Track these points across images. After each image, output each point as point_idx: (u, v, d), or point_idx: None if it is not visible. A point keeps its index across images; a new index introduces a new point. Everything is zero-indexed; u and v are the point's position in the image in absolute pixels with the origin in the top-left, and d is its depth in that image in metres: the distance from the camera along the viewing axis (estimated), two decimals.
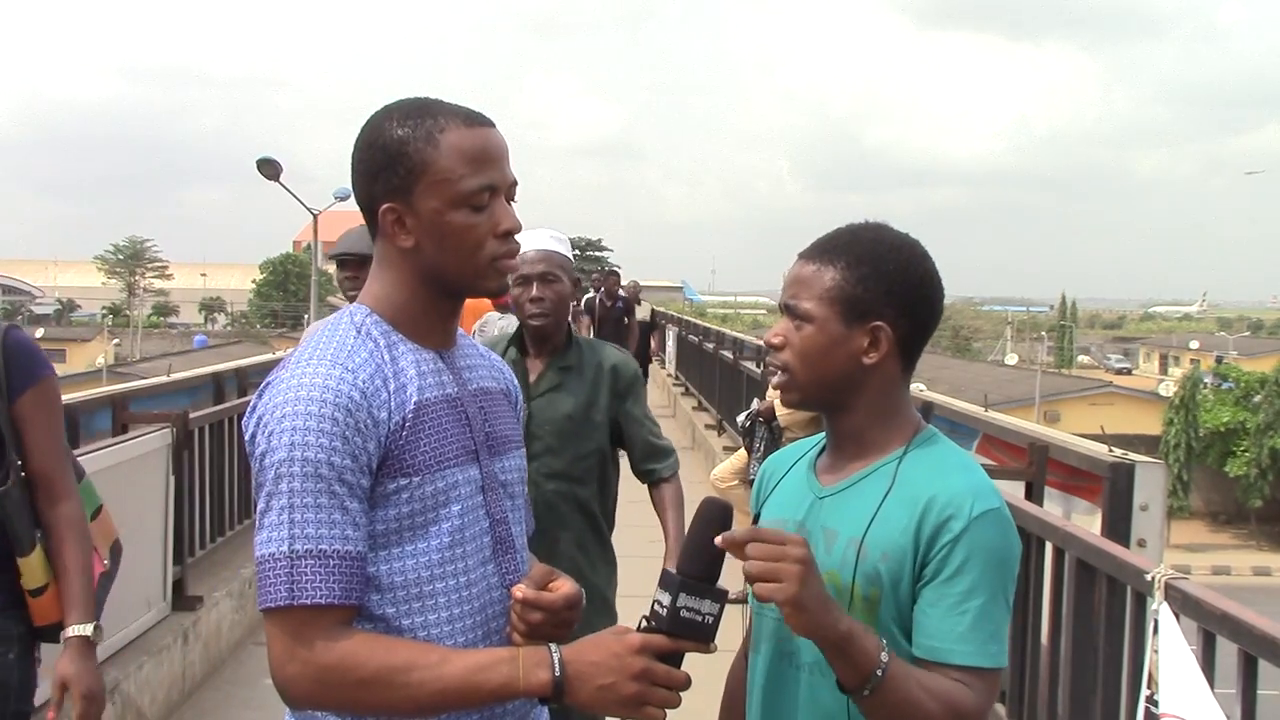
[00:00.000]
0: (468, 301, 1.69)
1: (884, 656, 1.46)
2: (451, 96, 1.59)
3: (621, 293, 13.10)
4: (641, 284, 16.47)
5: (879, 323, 1.62)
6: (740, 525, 1.49)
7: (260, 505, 1.47)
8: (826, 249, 1.66)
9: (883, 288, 1.62)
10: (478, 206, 1.54)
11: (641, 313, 15.76)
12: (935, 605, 1.53)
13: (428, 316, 1.59)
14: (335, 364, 1.49)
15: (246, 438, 1.51)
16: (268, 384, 1.52)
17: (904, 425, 1.66)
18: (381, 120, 1.56)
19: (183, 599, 5.12)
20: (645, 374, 14.30)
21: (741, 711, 1.79)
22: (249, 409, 1.52)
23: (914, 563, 1.55)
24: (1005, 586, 1.56)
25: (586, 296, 13.60)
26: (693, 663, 1.47)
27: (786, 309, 1.67)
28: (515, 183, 1.59)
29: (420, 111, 1.55)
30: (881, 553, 1.55)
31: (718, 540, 1.45)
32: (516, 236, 1.58)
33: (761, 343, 11.39)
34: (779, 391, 1.70)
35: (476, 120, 1.56)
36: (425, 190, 1.52)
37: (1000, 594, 1.55)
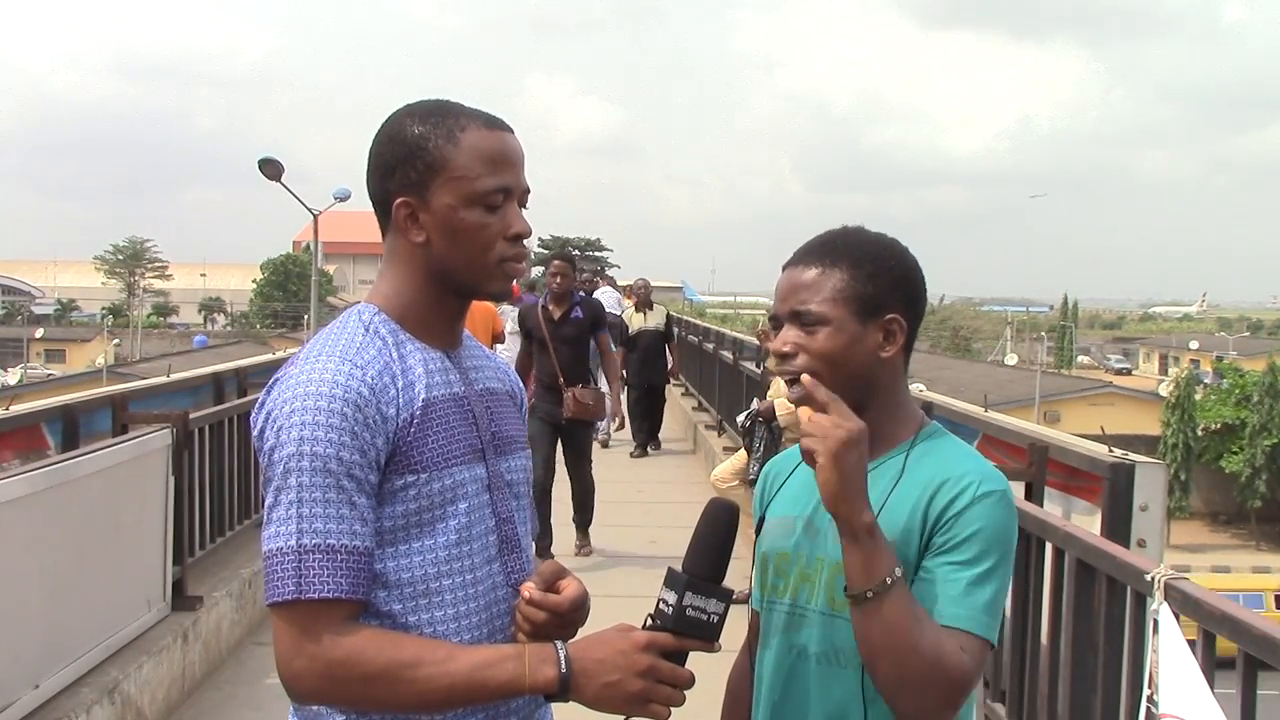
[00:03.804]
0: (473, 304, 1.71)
1: (898, 571, 1.48)
2: (453, 97, 1.63)
3: (582, 292, 8.10)
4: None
5: (893, 315, 1.64)
6: (741, 526, 1.50)
7: (268, 500, 1.48)
8: (822, 252, 1.66)
9: (889, 281, 1.64)
10: (491, 207, 1.56)
11: (656, 318, 12.23)
12: (931, 572, 1.54)
13: (435, 316, 1.61)
14: (344, 360, 1.50)
15: (255, 433, 1.52)
16: (276, 380, 1.53)
17: (909, 418, 1.68)
18: (403, 117, 1.58)
19: (183, 599, 5.12)
20: (662, 403, 12.27)
21: (743, 712, 1.80)
22: (257, 405, 1.53)
23: (920, 540, 1.56)
24: (1003, 564, 1.56)
25: (521, 308, 7.99)
26: (694, 663, 1.47)
27: (794, 316, 1.64)
28: (529, 190, 1.61)
29: (442, 111, 1.58)
30: (890, 539, 1.55)
31: (790, 396, 1.58)
32: None
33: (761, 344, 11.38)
34: (794, 404, 1.66)
35: (496, 124, 1.59)
36: (441, 187, 1.55)
37: (998, 570, 1.55)
